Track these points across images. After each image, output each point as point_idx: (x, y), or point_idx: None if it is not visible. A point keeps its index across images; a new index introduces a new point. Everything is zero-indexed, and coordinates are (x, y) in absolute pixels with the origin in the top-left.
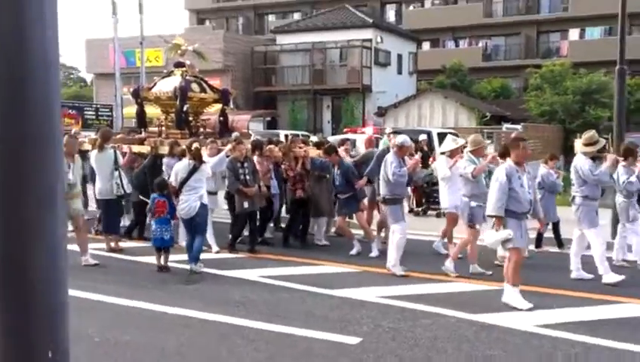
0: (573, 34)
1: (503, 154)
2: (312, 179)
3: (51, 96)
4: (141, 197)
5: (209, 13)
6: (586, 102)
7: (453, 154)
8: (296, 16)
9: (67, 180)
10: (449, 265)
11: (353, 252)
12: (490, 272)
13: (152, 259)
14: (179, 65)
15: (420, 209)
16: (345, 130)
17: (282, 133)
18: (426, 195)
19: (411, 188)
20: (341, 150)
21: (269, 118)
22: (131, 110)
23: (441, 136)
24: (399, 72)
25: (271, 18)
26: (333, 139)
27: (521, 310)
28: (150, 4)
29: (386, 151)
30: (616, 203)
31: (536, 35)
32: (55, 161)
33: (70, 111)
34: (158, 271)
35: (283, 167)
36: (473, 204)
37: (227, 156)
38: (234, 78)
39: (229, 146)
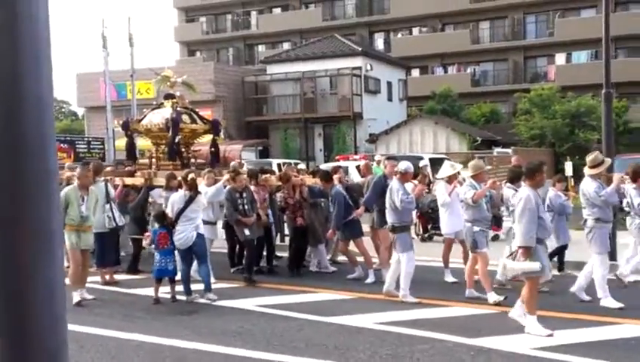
0: (560, 58)
1: (513, 179)
2: (308, 207)
3: (45, 131)
4: (133, 236)
5: (199, 45)
6: (575, 126)
7: (451, 179)
8: (286, 45)
9: (80, 212)
10: (491, 296)
11: (352, 276)
12: (487, 296)
13: (147, 291)
14: (169, 96)
15: (425, 235)
16: (337, 157)
17: (275, 161)
18: (432, 221)
19: (417, 214)
20: (335, 178)
21: (260, 148)
22: (123, 142)
23: (433, 162)
24: (389, 98)
25: (261, 48)
26: (325, 167)
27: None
28: (141, 37)
29: (383, 178)
30: (630, 225)
31: (523, 60)
32: (51, 195)
33: (62, 144)
34: (154, 304)
35: (281, 195)
36: (476, 228)
37: (224, 186)
38: (225, 108)
39: (226, 176)
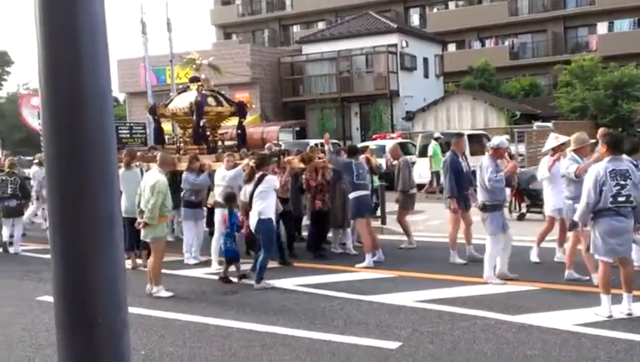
0: (602, 27)
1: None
2: (331, 189)
3: (105, 122)
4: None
5: (235, 28)
6: (618, 97)
7: (555, 152)
8: (321, 25)
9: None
10: (569, 274)
11: (363, 264)
12: (588, 277)
13: (190, 273)
14: (194, 79)
15: (520, 212)
16: (374, 136)
17: (312, 142)
18: (531, 198)
19: (511, 191)
20: (361, 158)
21: (297, 128)
22: (164, 127)
23: (471, 138)
24: (426, 75)
25: (296, 29)
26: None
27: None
28: (178, 22)
29: (454, 156)
30: None
31: (563, 31)
32: (111, 182)
33: None
34: (225, 282)
35: (304, 177)
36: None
37: (244, 170)
38: (262, 90)
39: (246, 161)
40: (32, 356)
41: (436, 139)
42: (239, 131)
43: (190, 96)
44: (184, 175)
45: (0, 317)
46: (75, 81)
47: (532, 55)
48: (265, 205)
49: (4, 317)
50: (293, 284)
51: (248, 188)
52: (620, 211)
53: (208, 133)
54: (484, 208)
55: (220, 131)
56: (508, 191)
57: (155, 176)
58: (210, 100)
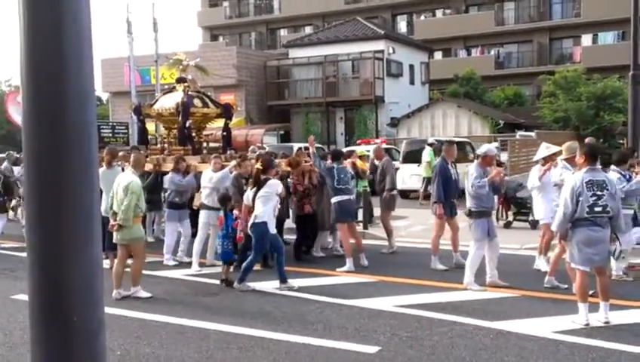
0: (586, 39)
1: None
2: (317, 193)
3: (87, 122)
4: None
5: (222, 30)
6: (600, 108)
7: (546, 161)
8: (308, 29)
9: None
10: (549, 282)
11: (344, 268)
12: (566, 286)
13: (168, 274)
14: (180, 80)
15: (507, 220)
16: (358, 141)
17: (296, 146)
18: (518, 206)
19: (499, 199)
20: (347, 162)
21: (282, 132)
22: (147, 127)
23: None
24: (411, 82)
25: (283, 32)
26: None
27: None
28: (164, 23)
29: (444, 162)
30: None
31: (548, 42)
32: (92, 181)
33: None
34: (225, 286)
35: (290, 180)
36: None
37: (231, 172)
38: (248, 92)
39: (233, 162)
40: (6, 354)
41: (430, 144)
42: (225, 133)
43: (176, 97)
44: (169, 175)
45: None
46: (58, 78)
47: (517, 65)
48: (263, 209)
49: None
50: (274, 287)
51: (251, 191)
52: (597, 221)
53: (193, 134)
54: (470, 214)
55: (204, 133)
56: (496, 198)
57: (128, 177)
58: (197, 101)
